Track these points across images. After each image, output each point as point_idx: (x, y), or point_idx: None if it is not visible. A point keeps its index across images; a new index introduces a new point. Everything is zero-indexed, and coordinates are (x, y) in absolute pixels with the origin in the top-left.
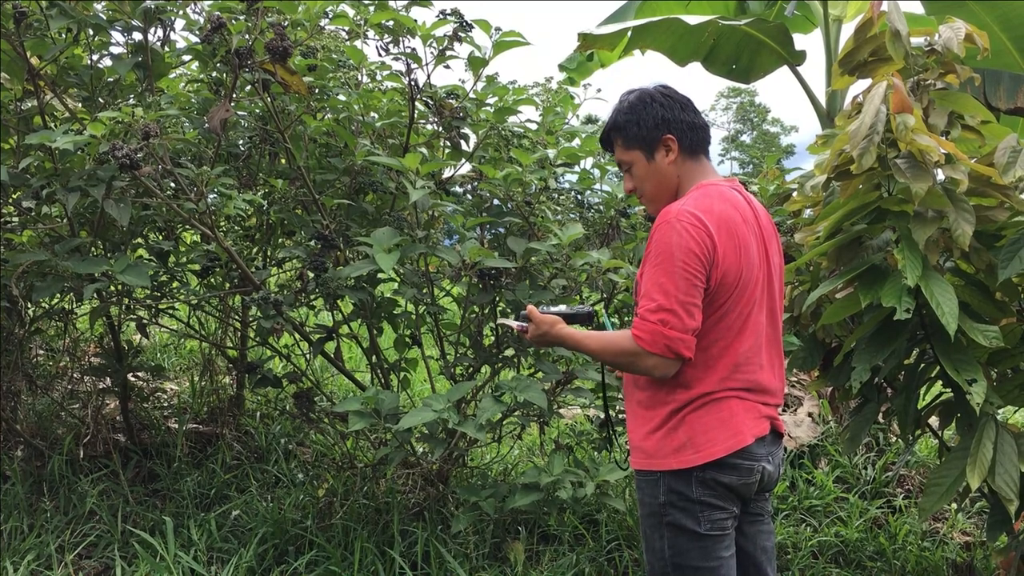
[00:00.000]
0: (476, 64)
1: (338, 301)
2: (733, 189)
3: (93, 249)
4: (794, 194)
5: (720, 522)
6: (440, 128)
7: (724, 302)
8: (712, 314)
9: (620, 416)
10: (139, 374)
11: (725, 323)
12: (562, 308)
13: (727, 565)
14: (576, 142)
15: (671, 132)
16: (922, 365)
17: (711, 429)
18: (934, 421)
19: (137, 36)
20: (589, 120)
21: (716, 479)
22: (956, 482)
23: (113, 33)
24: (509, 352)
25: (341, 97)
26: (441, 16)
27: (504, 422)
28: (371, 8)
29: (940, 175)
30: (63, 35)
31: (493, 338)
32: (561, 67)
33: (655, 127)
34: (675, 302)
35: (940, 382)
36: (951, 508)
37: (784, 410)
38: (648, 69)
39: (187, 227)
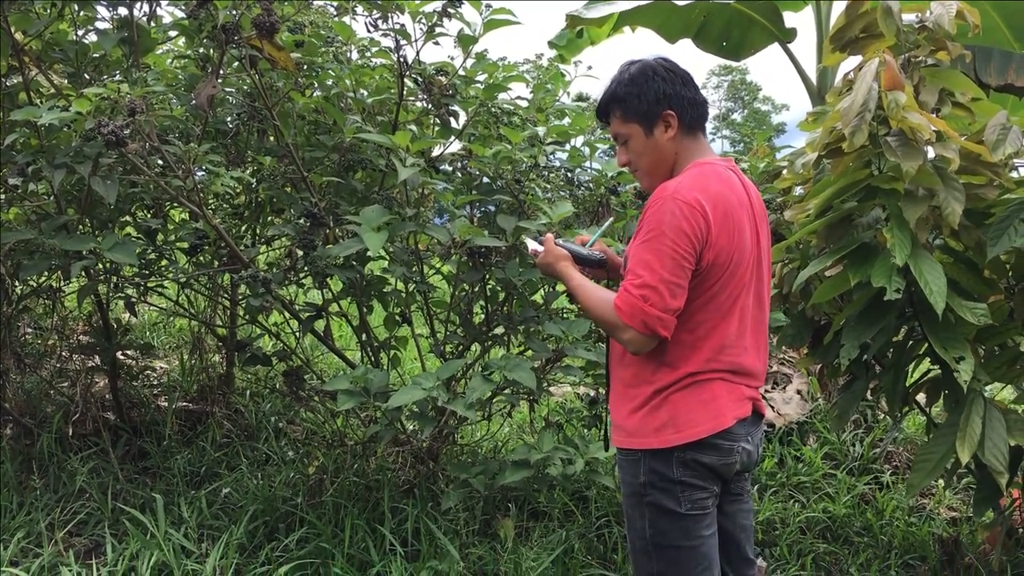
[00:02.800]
0: (466, 41)
1: (328, 279)
2: (729, 169)
3: (80, 227)
4: (784, 171)
5: (700, 502)
6: (429, 105)
7: (714, 284)
8: (700, 295)
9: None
10: (128, 352)
11: (714, 305)
12: (576, 247)
13: (707, 544)
14: (566, 120)
15: (672, 108)
16: (910, 342)
17: (693, 410)
18: (922, 398)
19: (123, 11)
20: (580, 98)
21: (697, 459)
22: (944, 458)
23: (98, 8)
24: (499, 330)
25: (331, 72)
26: None
27: (494, 400)
28: None
29: (930, 153)
30: (48, 10)
31: (483, 316)
32: (551, 44)
33: (656, 102)
34: (659, 280)
35: (928, 359)
36: (938, 484)
37: (773, 387)
38: (638, 46)
39: (175, 205)
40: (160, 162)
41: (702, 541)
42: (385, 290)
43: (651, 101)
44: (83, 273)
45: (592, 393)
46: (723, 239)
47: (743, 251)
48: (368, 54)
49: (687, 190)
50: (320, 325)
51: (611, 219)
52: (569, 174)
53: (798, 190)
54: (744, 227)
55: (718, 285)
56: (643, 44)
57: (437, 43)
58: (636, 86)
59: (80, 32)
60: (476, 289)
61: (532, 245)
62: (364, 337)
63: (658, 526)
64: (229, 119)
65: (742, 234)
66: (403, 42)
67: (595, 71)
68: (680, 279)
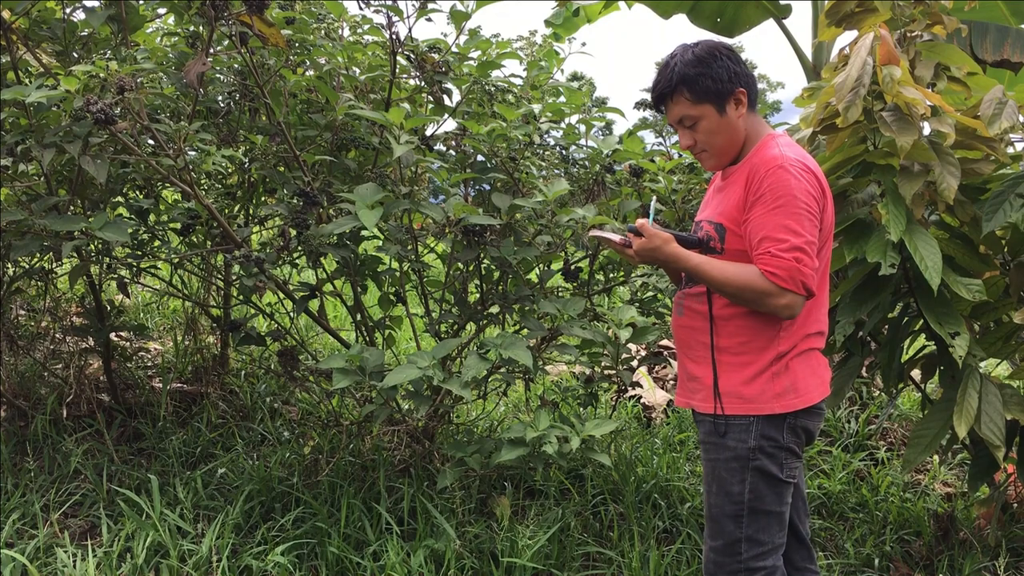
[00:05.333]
0: (458, 17)
1: (321, 259)
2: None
3: (72, 207)
4: None
5: (794, 471)
6: (422, 83)
7: (821, 248)
8: None
9: (605, 372)
10: (122, 334)
11: (820, 269)
12: (674, 230)
13: (788, 511)
14: (561, 98)
15: (743, 85)
16: (906, 319)
17: (808, 375)
18: (917, 375)
19: None
20: (575, 77)
21: (804, 426)
22: (939, 434)
23: None
24: (494, 309)
25: (323, 49)
26: None
27: (489, 379)
28: None
29: (926, 128)
30: None
31: (478, 295)
32: (547, 22)
33: (730, 80)
34: (804, 241)
35: (923, 335)
36: (933, 460)
37: None
38: (633, 27)
39: (167, 185)
40: (151, 142)
41: (787, 507)
42: (379, 269)
43: (724, 80)
44: (75, 254)
45: (588, 372)
46: (828, 205)
47: (833, 216)
48: (360, 31)
49: (796, 158)
50: (314, 305)
51: (655, 200)
52: (564, 152)
53: None
54: (830, 191)
55: (824, 250)
56: (638, 23)
57: (430, 20)
58: (705, 66)
59: (68, 10)
60: (471, 268)
61: (615, 236)
62: (359, 317)
63: (758, 491)
64: (220, 98)
65: (831, 198)
66: (395, 19)
67: (589, 49)
68: (816, 239)
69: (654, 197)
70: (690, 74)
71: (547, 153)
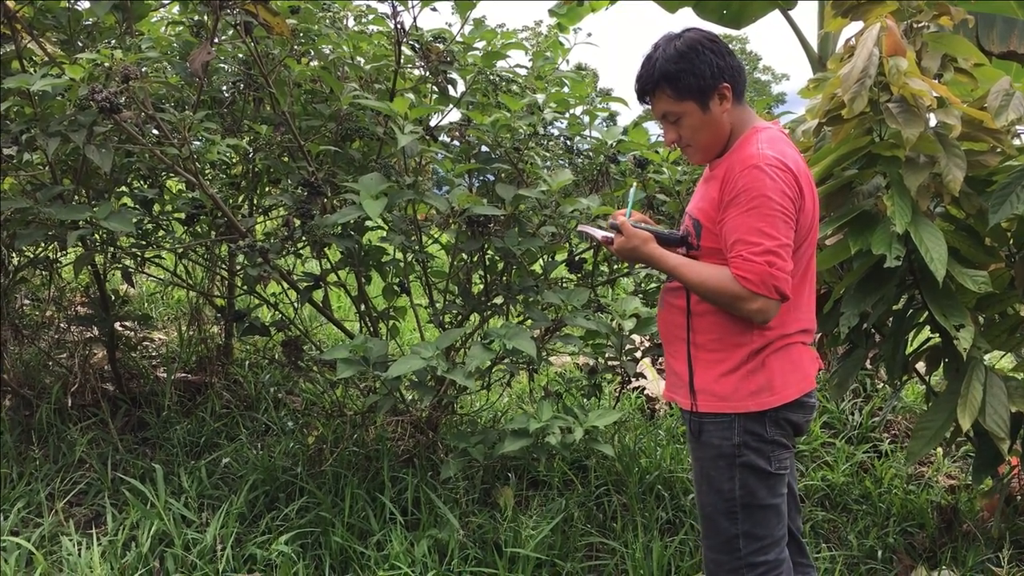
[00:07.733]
0: (463, 7)
1: (325, 249)
2: (781, 132)
3: (76, 197)
4: None
5: (784, 461)
6: (427, 73)
7: (800, 246)
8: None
9: (609, 363)
10: (126, 323)
11: (798, 266)
12: (657, 228)
13: (784, 501)
14: (565, 89)
15: (727, 80)
16: (910, 311)
17: (787, 372)
18: (921, 367)
19: None
20: (579, 68)
21: (788, 418)
22: (944, 426)
23: None
24: (498, 300)
25: (329, 37)
26: None
27: (493, 370)
28: None
29: (932, 119)
30: None
31: (481, 286)
32: (551, 12)
33: (712, 76)
34: (777, 244)
35: (928, 328)
36: (937, 452)
37: None
38: (637, 17)
39: (171, 174)
40: (155, 131)
41: (782, 499)
42: (383, 260)
43: (707, 76)
44: (79, 243)
45: (591, 363)
46: (808, 201)
47: (816, 213)
48: (364, 21)
49: (773, 156)
50: (318, 295)
51: (634, 187)
52: (568, 142)
53: None
54: (814, 189)
55: (803, 247)
56: (642, 14)
57: (435, 9)
58: (687, 62)
59: None
60: (475, 258)
61: (599, 233)
62: (363, 307)
63: (748, 486)
64: (224, 87)
65: (815, 196)
66: (400, 8)
67: (594, 39)
68: (791, 241)
69: (633, 186)
70: (671, 71)
71: (551, 144)
